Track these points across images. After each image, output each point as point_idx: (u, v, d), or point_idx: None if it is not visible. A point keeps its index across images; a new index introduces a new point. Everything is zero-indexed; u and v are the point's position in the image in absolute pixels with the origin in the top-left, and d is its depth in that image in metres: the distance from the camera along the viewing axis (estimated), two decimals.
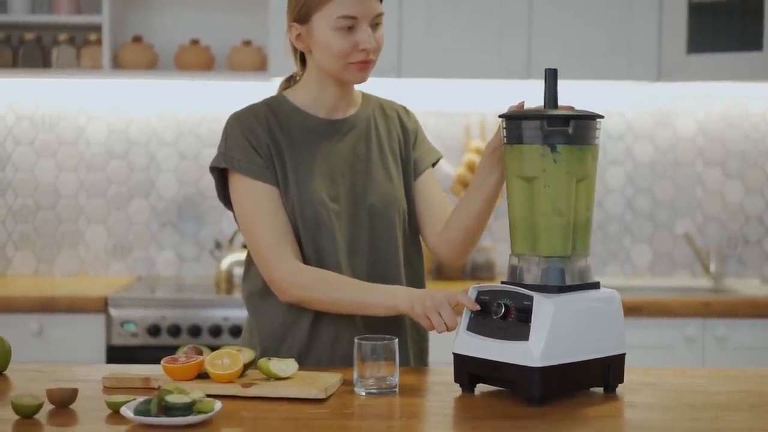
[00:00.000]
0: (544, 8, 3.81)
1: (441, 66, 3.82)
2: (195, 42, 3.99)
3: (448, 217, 2.20)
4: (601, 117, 1.90)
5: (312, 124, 2.18)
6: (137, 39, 3.97)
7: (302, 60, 2.21)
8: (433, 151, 2.31)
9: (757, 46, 3.74)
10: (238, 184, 2.13)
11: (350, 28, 2.08)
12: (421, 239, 2.29)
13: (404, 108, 2.32)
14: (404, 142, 2.27)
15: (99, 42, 3.93)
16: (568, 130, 1.85)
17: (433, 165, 2.30)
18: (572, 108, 1.91)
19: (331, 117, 2.20)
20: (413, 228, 2.26)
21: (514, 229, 1.92)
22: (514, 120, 1.90)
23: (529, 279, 1.88)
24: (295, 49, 2.21)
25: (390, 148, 2.24)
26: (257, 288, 2.19)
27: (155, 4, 4.11)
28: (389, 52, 3.71)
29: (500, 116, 1.94)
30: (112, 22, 3.88)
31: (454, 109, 4.17)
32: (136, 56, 3.93)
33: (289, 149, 2.14)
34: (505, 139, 1.92)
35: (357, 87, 2.24)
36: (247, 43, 3.99)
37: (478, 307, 1.90)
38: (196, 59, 3.96)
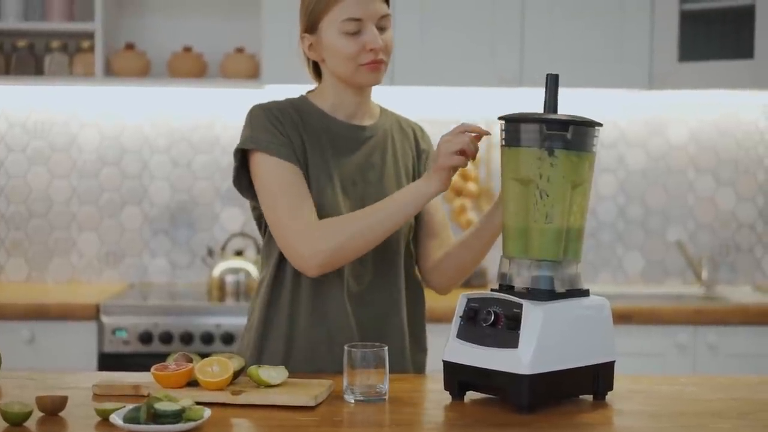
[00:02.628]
0: (537, 16, 3.82)
1: (434, 74, 3.83)
2: (188, 49, 3.99)
3: (445, 254, 2.23)
4: (600, 125, 1.91)
5: (333, 126, 2.19)
6: (130, 46, 3.97)
7: (317, 72, 2.24)
8: None
9: (748, 54, 3.75)
10: (262, 163, 2.11)
11: (357, 31, 2.11)
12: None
13: (420, 127, 2.36)
14: (417, 161, 2.30)
15: (91, 49, 3.93)
16: (566, 135, 1.85)
17: None
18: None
19: (351, 122, 2.22)
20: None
21: (507, 231, 1.92)
22: (514, 122, 1.90)
23: (519, 284, 1.89)
24: (308, 60, 2.23)
25: (404, 165, 2.26)
26: (268, 291, 2.19)
27: (148, 11, 4.11)
28: None
29: (500, 118, 1.94)
30: (104, 29, 3.88)
31: (448, 116, 4.16)
32: (129, 63, 3.93)
33: (311, 149, 2.15)
34: (503, 141, 1.93)
35: (373, 99, 2.26)
36: (240, 50, 3.99)
37: (485, 131, 2.01)
38: (189, 66, 3.96)
